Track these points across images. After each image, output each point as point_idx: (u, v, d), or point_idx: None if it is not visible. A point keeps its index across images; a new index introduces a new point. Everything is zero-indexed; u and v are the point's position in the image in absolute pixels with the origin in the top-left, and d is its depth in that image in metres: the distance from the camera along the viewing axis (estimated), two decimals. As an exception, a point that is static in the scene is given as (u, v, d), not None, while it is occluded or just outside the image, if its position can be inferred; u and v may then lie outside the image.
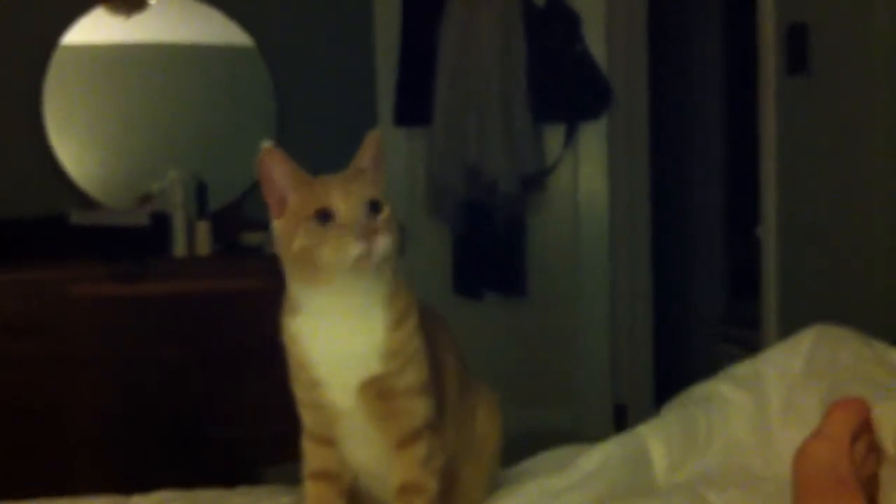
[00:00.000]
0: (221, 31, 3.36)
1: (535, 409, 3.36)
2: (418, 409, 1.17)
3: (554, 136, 3.42)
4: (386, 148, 3.72)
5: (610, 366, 3.47)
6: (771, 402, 1.53)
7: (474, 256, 3.38)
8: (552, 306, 3.46)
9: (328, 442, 1.20)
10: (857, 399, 1.23)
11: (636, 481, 1.42)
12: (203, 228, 3.02)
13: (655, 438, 1.50)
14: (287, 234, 1.13)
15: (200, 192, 3.10)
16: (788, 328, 1.64)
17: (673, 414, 1.58)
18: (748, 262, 3.20)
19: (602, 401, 3.44)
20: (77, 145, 3.24)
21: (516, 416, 3.28)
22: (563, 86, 3.37)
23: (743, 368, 1.63)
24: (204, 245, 3.02)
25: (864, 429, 1.21)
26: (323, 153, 3.35)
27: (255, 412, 2.87)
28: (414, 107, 3.36)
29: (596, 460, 1.46)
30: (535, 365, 3.46)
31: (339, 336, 1.13)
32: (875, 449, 1.21)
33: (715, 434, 1.51)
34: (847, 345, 1.54)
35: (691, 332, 3.95)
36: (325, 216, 1.10)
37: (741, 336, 3.35)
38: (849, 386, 1.36)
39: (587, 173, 3.44)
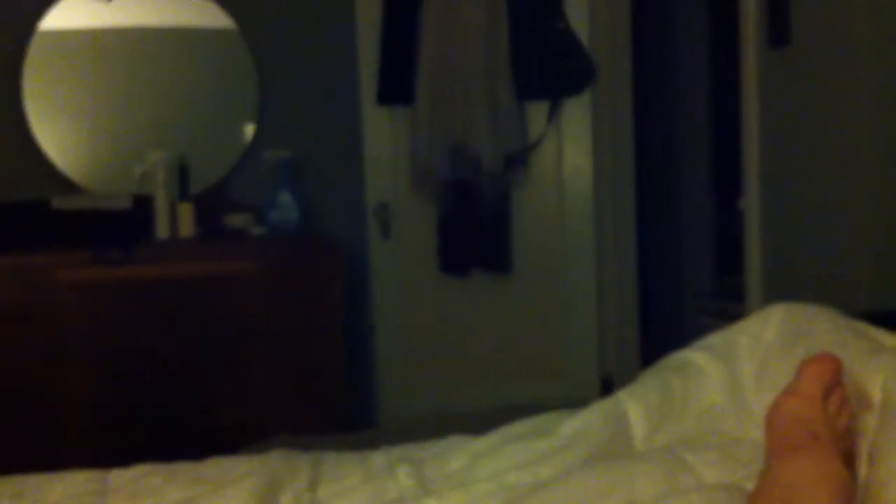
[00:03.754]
0: (203, 13, 3.35)
1: (522, 384, 3.37)
2: None
3: (537, 112, 3.42)
4: (369, 128, 3.72)
5: (597, 340, 3.48)
6: (744, 369, 1.55)
7: (460, 234, 3.38)
8: (539, 282, 3.46)
9: None
10: (829, 355, 1.24)
11: (616, 444, 1.44)
12: (186, 210, 3.02)
13: (633, 404, 1.52)
14: None
15: (183, 174, 3.09)
16: (773, 301, 1.65)
17: (650, 380, 1.59)
18: (735, 235, 3.21)
19: (589, 374, 3.45)
20: (58, 130, 3.22)
21: (504, 391, 3.32)
22: (546, 62, 3.36)
23: (716, 338, 1.65)
24: (187, 227, 3.01)
25: (836, 384, 1.22)
26: (305, 134, 3.38)
27: (243, 394, 2.88)
28: (397, 86, 3.35)
29: (577, 425, 1.48)
30: (523, 341, 3.47)
31: None
32: (847, 404, 1.22)
33: (690, 400, 1.53)
34: (822, 316, 1.55)
35: (678, 306, 3.96)
36: None
37: (728, 310, 3.35)
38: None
39: (571, 149, 3.44)
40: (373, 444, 1.64)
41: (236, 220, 3.13)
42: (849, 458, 1.18)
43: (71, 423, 2.79)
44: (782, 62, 2.75)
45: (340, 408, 2.95)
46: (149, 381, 2.83)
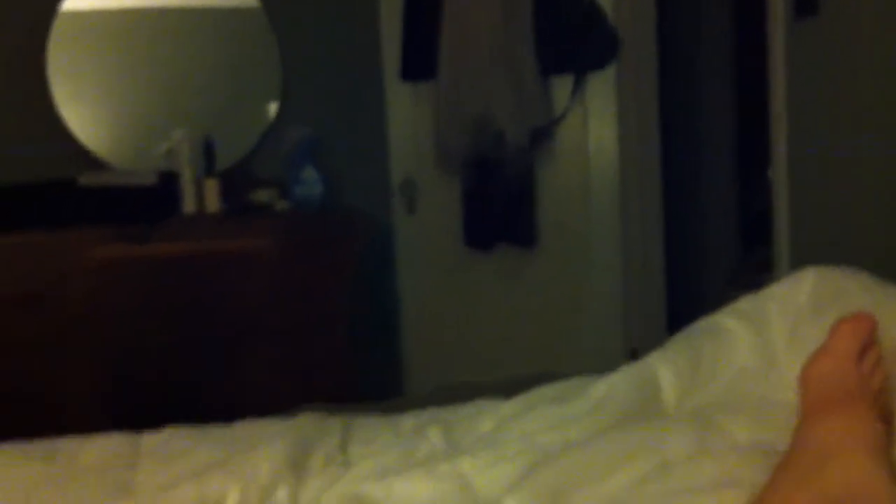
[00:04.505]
0: (226, -8, 3.35)
1: (548, 358, 3.37)
2: None
3: (562, 87, 3.40)
4: (393, 103, 3.73)
5: (623, 314, 3.47)
6: (775, 332, 1.53)
7: (484, 209, 3.37)
8: (564, 256, 3.45)
9: None
10: (864, 313, 1.23)
11: (646, 407, 1.42)
12: (211, 186, 3.03)
13: (663, 367, 1.51)
14: None
15: (208, 150, 3.10)
16: (801, 271, 1.63)
17: (679, 345, 1.58)
18: (762, 206, 3.18)
19: (615, 349, 3.44)
20: (84, 109, 3.24)
21: (529, 365, 3.31)
22: (571, 36, 3.34)
23: (746, 303, 1.64)
24: (213, 203, 3.02)
25: (872, 343, 1.21)
26: (329, 111, 3.38)
27: (266, 368, 2.89)
28: (420, 61, 3.34)
29: (606, 388, 1.47)
30: (549, 315, 3.46)
31: None
32: (882, 363, 1.20)
33: (720, 363, 1.51)
34: (855, 279, 1.53)
35: (704, 278, 3.94)
36: None
37: (755, 281, 3.33)
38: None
39: (596, 123, 3.42)
40: (400, 410, 1.65)
41: (261, 196, 3.14)
42: (885, 417, 1.17)
43: (94, 398, 2.81)
44: (810, 33, 2.71)
45: (364, 383, 2.96)
46: (173, 357, 2.85)
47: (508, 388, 1.67)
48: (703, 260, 4.01)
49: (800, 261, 2.78)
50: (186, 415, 2.45)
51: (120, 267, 2.81)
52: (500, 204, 3.37)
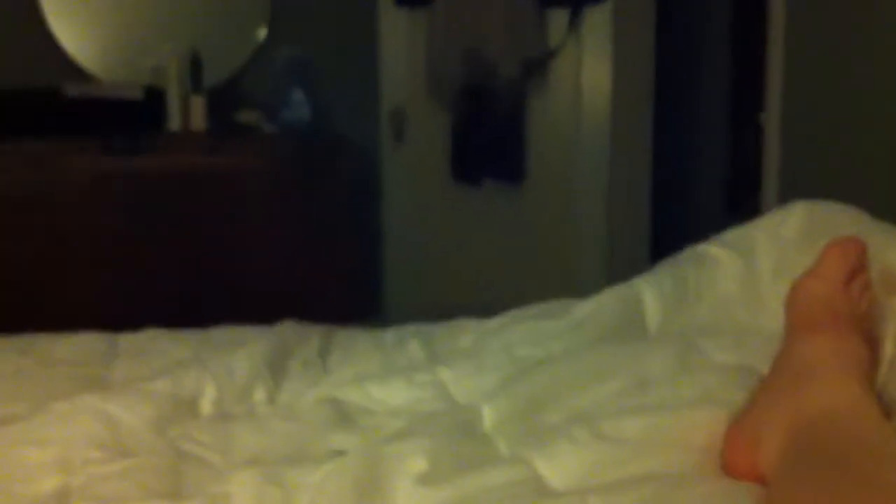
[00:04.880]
0: None
1: (530, 295, 3.35)
2: None
3: (557, 20, 3.34)
4: (385, 29, 3.64)
5: (606, 256, 3.46)
6: (762, 263, 1.53)
7: (473, 142, 3.34)
8: (551, 194, 3.43)
9: None
10: (853, 238, 1.22)
11: (629, 328, 1.42)
12: (198, 104, 2.98)
13: (649, 290, 1.51)
14: None
15: (195, 67, 3.05)
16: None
17: (665, 271, 1.58)
18: (752, 155, 3.16)
19: (598, 290, 3.43)
20: (72, 19, 3.17)
21: (514, 299, 3.30)
22: (569, -32, 3.29)
23: (734, 234, 1.64)
24: (199, 120, 2.98)
25: (861, 268, 1.19)
26: (320, 33, 3.32)
27: (249, 286, 2.88)
28: (415, -14, 3.28)
29: (591, 307, 1.48)
30: (533, 252, 3.45)
31: None
32: (870, 287, 1.19)
33: (705, 290, 1.51)
34: (845, 213, 1.52)
35: (691, 224, 3.93)
36: None
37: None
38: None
39: (591, 59, 3.37)
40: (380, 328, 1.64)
41: (248, 117, 3.09)
42: (871, 342, 1.16)
43: (76, 310, 2.79)
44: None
45: (347, 309, 2.95)
46: (152, 271, 2.83)
47: (488, 312, 1.66)
48: (691, 204, 4.00)
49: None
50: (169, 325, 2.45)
51: (107, 178, 2.78)
52: (489, 137, 3.33)
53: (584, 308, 1.46)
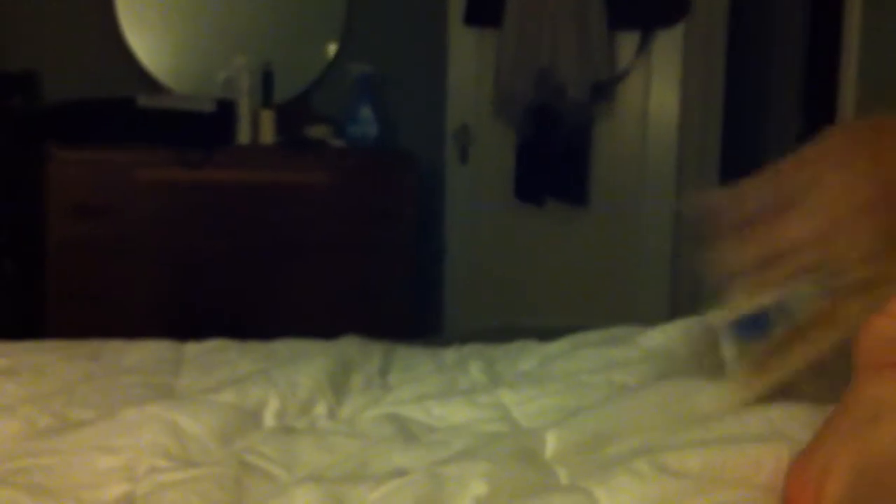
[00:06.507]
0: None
1: (590, 319, 3.33)
2: None
3: (627, 43, 3.34)
4: (454, 48, 3.67)
5: (669, 282, 3.43)
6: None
7: (538, 163, 3.34)
8: (615, 218, 3.41)
9: None
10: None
11: (700, 362, 1.39)
12: (268, 118, 3.03)
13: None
14: None
15: (267, 81, 3.09)
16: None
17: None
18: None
19: (660, 316, 3.39)
20: (147, 32, 3.24)
21: (574, 322, 3.28)
22: (640, -9, 3.28)
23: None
24: (268, 134, 3.02)
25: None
26: (390, 51, 3.35)
27: (309, 302, 2.90)
28: (485, 6, 3.30)
29: (658, 339, 1.45)
30: (594, 276, 3.43)
31: None
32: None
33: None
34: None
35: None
36: None
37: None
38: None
39: (659, 83, 3.36)
40: (440, 346, 1.64)
41: (316, 131, 3.13)
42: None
43: (140, 319, 2.84)
44: (885, 6, 2.63)
45: (407, 325, 2.96)
46: (219, 282, 2.87)
47: (548, 335, 1.65)
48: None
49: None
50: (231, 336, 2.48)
51: (177, 189, 2.84)
52: (554, 159, 3.33)
53: (654, 338, 1.44)
